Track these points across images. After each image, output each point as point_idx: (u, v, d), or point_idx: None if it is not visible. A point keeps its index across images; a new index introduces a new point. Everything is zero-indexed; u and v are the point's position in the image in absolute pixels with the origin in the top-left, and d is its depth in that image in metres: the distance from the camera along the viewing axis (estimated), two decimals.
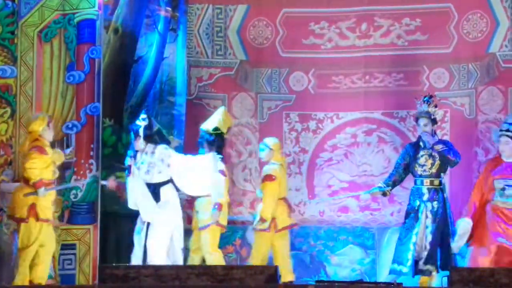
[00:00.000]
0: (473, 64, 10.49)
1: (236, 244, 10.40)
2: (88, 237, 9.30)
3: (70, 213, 9.32)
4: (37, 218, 8.69)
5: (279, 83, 10.88)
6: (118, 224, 10.15)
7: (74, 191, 9.43)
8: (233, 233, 10.33)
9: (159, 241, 8.87)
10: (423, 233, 9.19)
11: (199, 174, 9.02)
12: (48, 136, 8.93)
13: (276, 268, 7.45)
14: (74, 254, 9.38)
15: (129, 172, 8.96)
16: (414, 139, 10.52)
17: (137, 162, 8.96)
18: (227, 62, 10.83)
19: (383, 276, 10.17)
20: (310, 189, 10.64)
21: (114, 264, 8.66)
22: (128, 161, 9.02)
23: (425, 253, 9.17)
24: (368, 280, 9.98)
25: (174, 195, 9.02)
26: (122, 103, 10.26)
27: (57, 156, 9.05)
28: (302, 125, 10.80)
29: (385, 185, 9.51)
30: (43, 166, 8.76)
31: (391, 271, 9.32)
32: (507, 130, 8.82)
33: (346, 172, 10.56)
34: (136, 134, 8.97)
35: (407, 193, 10.34)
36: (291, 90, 10.86)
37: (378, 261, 10.34)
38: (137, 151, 9.00)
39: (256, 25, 10.87)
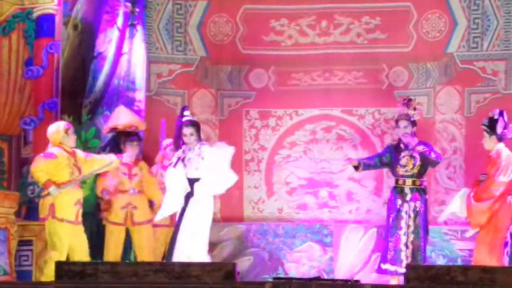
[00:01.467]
0: (431, 64, 10.59)
1: None
2: (45, 233, 9.23)
3: (27, 209, 9.26)
4: (53, 217, 8.73)
5: (240, 80, 10.90)
6: None
7: (31, 187, 9.37)
8: None
9: (201, 239, 8.81)
10: (406, 232, 9.27)
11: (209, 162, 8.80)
12: (70, 142, 8.89)
13: (234, 265, 7.47)
14: (31, 250, 9.30)
15: (175, 164, 8.79)
16: (373, 137, 10.68)
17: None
18: (187, 58, 10.83)
19: (341, 273, 10.25)
20: (269, 186, 10.67)
21: (70, 261, 8.63)
22: (180, 153, 8.83)
23: (408, 251, 9.23)
24: (326, 277, 10.02)
25: (207, 193, 8.87)
26: (81, 99, 10.20)
27: (94, 163, 9.10)
28: (262, 122, 10.84)
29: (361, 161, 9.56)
30: (54, 169, 8.73)
31: (383, 271, 9.35)
32: (483, 125, 8.92)
33: (305, 169, 10.61)
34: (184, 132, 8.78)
35: (365, 191, 10.51)
36: (251, 87, 10.88)
37: (336, 258, 10.38)
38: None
39: (216, 21, 10.88)
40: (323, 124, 10.76)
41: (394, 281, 9.31)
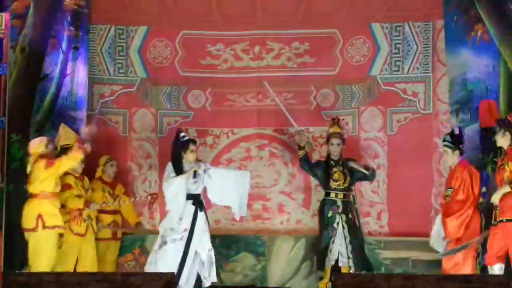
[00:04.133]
0: (356, 86, 10.61)
1: (135, 253, 10.28)
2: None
3: None
4: (44, 226, 8.74)
5: (178, 100, 10.83)
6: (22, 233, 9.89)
7: None
8: (132, 242, 10.23)
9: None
10: (343, 243, 9.28)
11: (231, 186, 9.16)
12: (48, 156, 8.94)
13: (172, 274, 7.39)
14: None
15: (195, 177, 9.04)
16: None
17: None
18: (128, 79, 10.72)
19: (274, 281, 10.21)
20: (207, 200, 10.56)
21: (17, 271, 8.46)
22: (195, 167, 9.06)
23: (350, 261, 9.26)
24: (259, 285, 9.98)
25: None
26: (29, 119, 10.07)
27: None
28: (200, 140, 10.74)
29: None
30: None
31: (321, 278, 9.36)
32: (444, 140, 8.87)
33: None
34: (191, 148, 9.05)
35: (295, 203, 10.50)
36: (190, 107, 10.81)
37: (268, 267, 10.33)
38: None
39: (156, 45, 10.80)
40: (256, 143, 10.73)
41: (322, 286, 9.31)
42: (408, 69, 10.50)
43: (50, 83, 10.26)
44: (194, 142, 9.21)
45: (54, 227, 8.81)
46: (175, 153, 9.12)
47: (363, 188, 10.34)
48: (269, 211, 10.61)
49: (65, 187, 9.23)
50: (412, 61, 10.49)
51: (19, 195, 9.66)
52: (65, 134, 9.53)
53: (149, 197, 9.78)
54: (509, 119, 8.39)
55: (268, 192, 10.64)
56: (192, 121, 10.78)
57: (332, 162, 9.55)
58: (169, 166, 9.13)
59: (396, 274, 8.57)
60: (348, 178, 9.47)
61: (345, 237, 9.30)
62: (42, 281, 7.34)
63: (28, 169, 9.00)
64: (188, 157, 9.07)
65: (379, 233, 10.28)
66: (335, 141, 9.51)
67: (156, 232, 9.59)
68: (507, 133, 8.33)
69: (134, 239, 10.22)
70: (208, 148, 10.76)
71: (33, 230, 8.79)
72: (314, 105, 10.70)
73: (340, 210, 9.39)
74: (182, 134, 9.23)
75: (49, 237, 8.77)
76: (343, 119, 9.89)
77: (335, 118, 9.77)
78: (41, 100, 10.21)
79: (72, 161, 8.97)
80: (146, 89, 10.75)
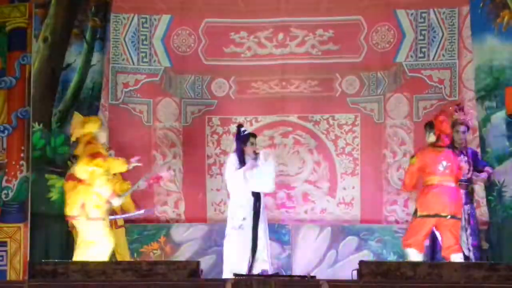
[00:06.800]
0: (381, 73, 10.62)
1: (161, 241, 10.36)
2: (19, 234, 9.14)
3: (2, 212, 9.16)
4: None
5: (202, 89, 10.86)
6: (46, 224, 10.01)
7: (5, 191, 9.26)
8: (158, 231, 10.30)
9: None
10: (464, 235, 8.96)
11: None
12: (102, 138, 8.75)
13: (198, 263, 7.45)
14: (6, 251, 9.21)
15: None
16: (327, 142, 10.67)
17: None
18: (152, 68, 10.78)
19: (298, 269, 10.23)
20: None
21: (43, 260, 8.55)
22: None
23: (471, 254, 8.92)
24: (284, 273, 10.02)
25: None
26: (51, 108, 10.15)
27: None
28: (223, 128, 10.81)
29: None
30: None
31: None
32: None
33: None
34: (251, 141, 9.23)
35: (320, 192, 10.49)
36: (213, 95, 10.85)
37: (293, 256, 10.38)
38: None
39: (179, 34, 10.85)
40: (280, 130, 10.77)
41: None
42: (434, 56, 10.49)
43: (73, 73, 10.33)
44: (254, 136, 9.32)
45: None
46: (238, 147, 9.27)
47: (390, 176, 10.38)
48: (293, 200, 10.65)
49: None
50: (437, 48, 10.49)
51: (41, 184, 9.79)
52: (80, 122, 9.53)
53: (151, 180, 9.61)
54: (434, 121, 8.65)
55: (292, 181, 10.67)
56: (216, 109, 10.82)
57: (456, 151, 8.92)
58: (232, 158, 9.24)
59: (422, 262, 8.56)
60: (472, 168, 9.04)
61: (466, 229, 8.97)
62: (68, 270, 7.42)
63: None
64: (248, 151, 9.20)
65: (406, 221, 10.25)
66: (461, 128, 9.06)
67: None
68: (431, 133, 8.66)
69: (159, 228, 10.29)
70: (232, 136, 10.79)
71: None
72: (339, 92, 10.71)
73: (464, 202, 8.87)
74: (243, 129, 9.35)
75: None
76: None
77: (459, 104, 9.38)
78: (64, 90, 10.28)
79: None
80: (170, 78, 10.80)
